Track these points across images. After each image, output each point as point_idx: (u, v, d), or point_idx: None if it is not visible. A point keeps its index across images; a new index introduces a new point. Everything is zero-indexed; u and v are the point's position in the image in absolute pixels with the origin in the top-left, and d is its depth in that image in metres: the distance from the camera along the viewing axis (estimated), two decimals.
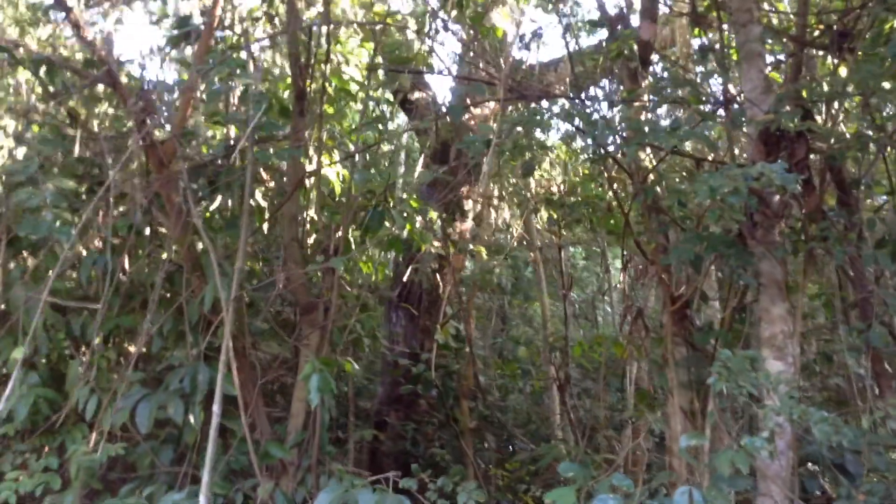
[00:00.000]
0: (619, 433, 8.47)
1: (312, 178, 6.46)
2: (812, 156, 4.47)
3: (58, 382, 5.29)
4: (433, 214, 8.49)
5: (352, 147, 7.25)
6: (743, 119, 4.34)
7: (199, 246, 5.22)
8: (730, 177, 3.59)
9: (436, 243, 8.58)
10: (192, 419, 4.94)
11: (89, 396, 4.97)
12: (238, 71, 4.65)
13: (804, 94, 4.45)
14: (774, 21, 6.08)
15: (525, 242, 10.39)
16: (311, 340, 5.47)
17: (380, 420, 8.80)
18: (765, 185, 3.69)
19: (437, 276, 8.46)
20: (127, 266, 5.54)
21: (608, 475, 4.88)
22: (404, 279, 8.87)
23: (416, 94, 9.76)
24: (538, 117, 4.15)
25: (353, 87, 6.93)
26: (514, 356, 9.57)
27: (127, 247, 5.40)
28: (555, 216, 7.03)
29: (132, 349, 5.91)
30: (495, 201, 10.56)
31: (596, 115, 4.55)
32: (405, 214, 6.42)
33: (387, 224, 6.60)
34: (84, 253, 5.52)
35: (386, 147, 6.76)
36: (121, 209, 5.56)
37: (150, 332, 5.05)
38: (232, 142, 5.20)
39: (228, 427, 5.18)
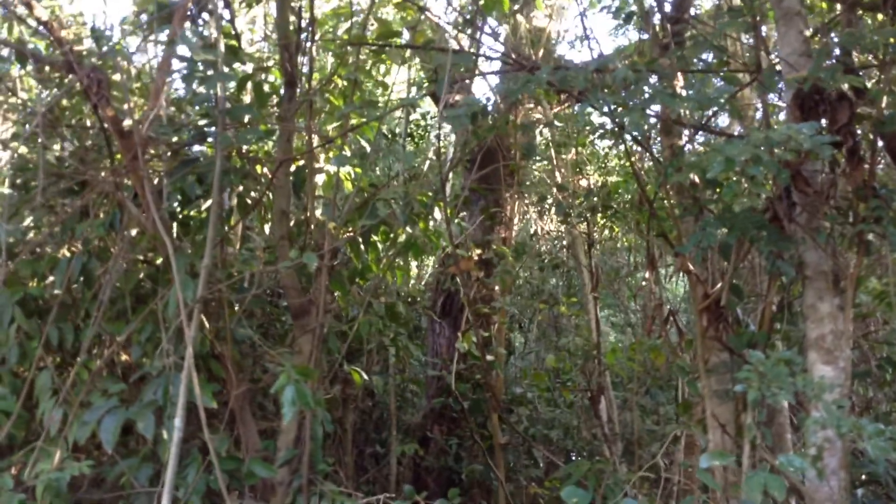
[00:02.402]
0: (668, 448, 7.80)
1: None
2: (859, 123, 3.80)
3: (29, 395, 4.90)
4: (452, 214, 7.97)
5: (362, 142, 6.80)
6: (778, 81, 3.68)
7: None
8: (750, 143, 2.95)
9: (477, 251, 8.13)
10: (165, 434, 4.48)
11: (53, 409, 4.55)
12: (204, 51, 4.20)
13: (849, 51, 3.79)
14: None
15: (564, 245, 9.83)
16: (303, 347, 4.98)
17: (423, 435, 8.47)
18: (794, 151, 3.04)
19: (477, 284, 8.00)
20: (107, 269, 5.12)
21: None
22: (443, 288, 8.51)
23: (457, 98, 9.36)
24: (531, 84, 3.56)
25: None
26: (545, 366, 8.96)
27: (107, 249, 5.00)
28: (583, 210, 6.39)
29: (123, 358, 5.54)
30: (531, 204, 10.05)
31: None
32: (413, 210, 5.90)
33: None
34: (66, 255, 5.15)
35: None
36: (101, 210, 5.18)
37: (120, 340, 4.61)
38: (202, 127, 4.74)
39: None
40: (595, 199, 6.36)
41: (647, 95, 3.45)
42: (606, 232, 10.81)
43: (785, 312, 4.41)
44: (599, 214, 8.82)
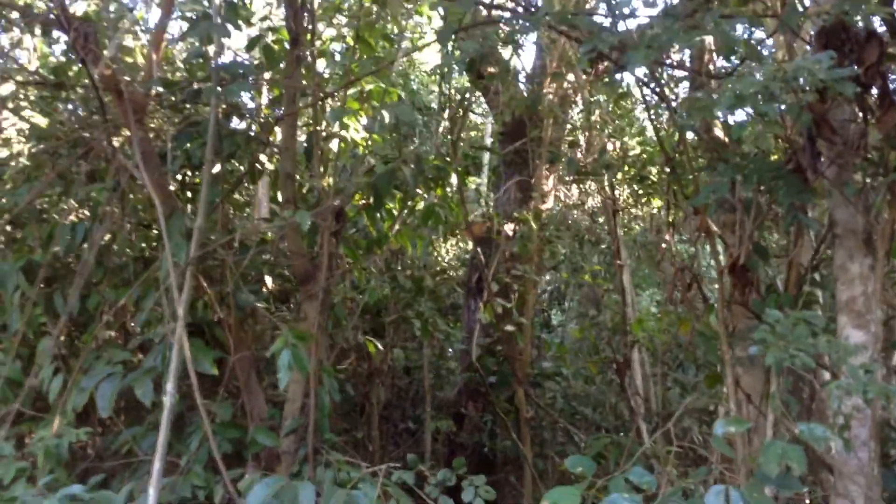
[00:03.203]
0: (702, 423, 7.53)
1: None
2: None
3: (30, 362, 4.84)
4: (472, 182, 7.77)
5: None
6: (801, 15, 3.37)
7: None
8: (762, 78, 2.68)
9: (509, 225, 7.93)
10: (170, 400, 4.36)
11: (53, 376, 4.47)
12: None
13: None
14: None
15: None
16: (308, 313, 4.82)
17: (458, 411, 8.34)
18: (813, 89, 2.76)
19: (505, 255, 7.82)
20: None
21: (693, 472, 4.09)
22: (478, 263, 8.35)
23: (491, 69, 9.14)
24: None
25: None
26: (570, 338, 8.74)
27: (109, 214, 4.88)
28: (599, 168, 6.11)
29: (129, 325, 5.46)
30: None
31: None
32: (429, 177, 5.70)
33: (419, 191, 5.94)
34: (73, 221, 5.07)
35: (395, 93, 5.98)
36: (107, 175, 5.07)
37: (119, 307, 4.50)
38: (196, 85, 4.57)
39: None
40: (613, 158, 6.06)
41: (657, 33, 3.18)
42: (643, 207, 10.52)
43: (810, 274, 4.09)
44: (636, 185, 8.58)
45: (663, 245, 6.43)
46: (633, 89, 9.19)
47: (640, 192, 8.94)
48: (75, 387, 4.37)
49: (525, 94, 8.56)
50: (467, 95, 8.25)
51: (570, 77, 8.46)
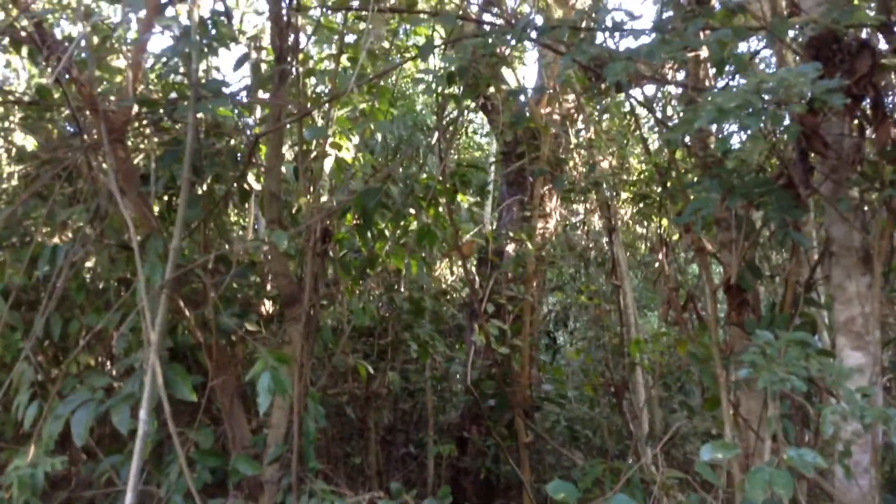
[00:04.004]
0: (697, 446, 7.34)
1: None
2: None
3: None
4: (465, 201, 7.65)
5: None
6: (788, 25, 3.25)
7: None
8: (742, 90, 2.56)
9: (511, 245, 7.82)
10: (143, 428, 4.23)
11: (29, 403, 4.36)
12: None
13: None
14: None
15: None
16: (293, 337, 4.70)
17: (461, 435, 8.21)
18: (799, 100, 2.64)
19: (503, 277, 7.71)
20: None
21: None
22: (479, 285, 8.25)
23: (492, 90, 9.08)
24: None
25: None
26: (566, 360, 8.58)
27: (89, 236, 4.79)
28: (589, 186, 5.98)
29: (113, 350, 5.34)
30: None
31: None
32: (420, 196, 5.59)
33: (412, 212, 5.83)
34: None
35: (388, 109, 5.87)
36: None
37: (94, 330, 4.39)
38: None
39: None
40: (607, 174, 5.94)
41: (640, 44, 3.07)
42: (648, 226, 10.39)
43: (805, 293, 3.95)
44: (639, 204, 8.46)
45: (657, 264, 6.27)
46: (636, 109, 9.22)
47: (643, 210, 8.84)
48: (51, 414, 4.25)
49: (526, 114, 8.51)
50: (458, 114, 8.20)
51: (571, 97, 8.40)
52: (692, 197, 3.45)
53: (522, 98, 8.98)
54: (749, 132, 2.90)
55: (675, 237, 8.71)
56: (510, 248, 7.75)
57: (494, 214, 9.11)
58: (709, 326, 4.49)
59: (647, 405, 7.51)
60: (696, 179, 4.12)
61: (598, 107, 8.34)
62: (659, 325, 11.52)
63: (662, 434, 7.39)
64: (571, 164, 8.41)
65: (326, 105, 5.02)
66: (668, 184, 4.32)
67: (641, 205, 8.15)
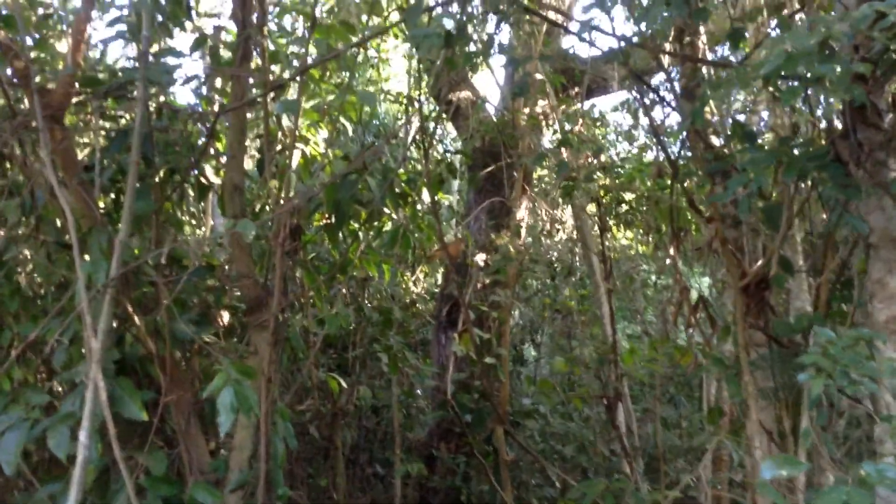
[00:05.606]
0: (693, 463, 6.95)
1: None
2: None
3: None
4: (448, 199, 7.21)
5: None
6: None
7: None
8: (819, 29, 2.10)
9: (481, 255, 7.40)
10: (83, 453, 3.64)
11: None
12: None
13: None
14: None
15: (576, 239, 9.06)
16: (259, 346, 4.15)
17: (429, 453, 7.86)
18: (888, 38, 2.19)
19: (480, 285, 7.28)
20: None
21: None
22: (448, 294, 7.84)
23: (461, 94, 8.73)
24: None
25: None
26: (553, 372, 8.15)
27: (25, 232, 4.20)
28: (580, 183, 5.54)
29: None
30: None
31: None
32: (398, 193, 5.09)
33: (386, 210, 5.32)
34: None
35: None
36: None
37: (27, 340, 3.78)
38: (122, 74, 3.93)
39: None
40: (598, 172, 5.52)
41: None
42: (621, 236, 10.08)
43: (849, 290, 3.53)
44: (618, 210, 8.11)
45: (667, 261, 5.84)
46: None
47: (618, 218, 8.51)
48: None
49: (495, 119, 8.16)
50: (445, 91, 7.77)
51: (541, 102, 8.05)
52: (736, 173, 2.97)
53: (499, 98, 8.67)
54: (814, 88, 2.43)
55: (655, 243, 8.39)
56: (480, 257, 7.35)
57: (461, 226, 8.68)
58: (726, 327, 4.07)
59: (626, 418, 7.11)
60: (711, 168, 3.67)
61: (569, 110, 8.00)
62: (622, 338, 11.21)
63: (652, 449, 6.98)
64: (546, 164, 8.05)
65: (297, 80, 4.48)
66: (679, 172, 3.86)
67: (625, 207, 7.81)
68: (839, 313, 3.63)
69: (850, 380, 2.40)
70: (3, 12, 3.90)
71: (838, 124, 3.02)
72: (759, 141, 3.35)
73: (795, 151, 2.71)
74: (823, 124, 3.16)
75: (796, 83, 2.38)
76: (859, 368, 2.46)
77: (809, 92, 2.89)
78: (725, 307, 5.25)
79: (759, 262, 3.67)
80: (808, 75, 2.22)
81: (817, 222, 3.99)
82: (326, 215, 4.98)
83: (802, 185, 3.05)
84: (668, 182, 4.43)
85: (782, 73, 2.17)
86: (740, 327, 3.49)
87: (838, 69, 2.11)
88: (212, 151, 4.86)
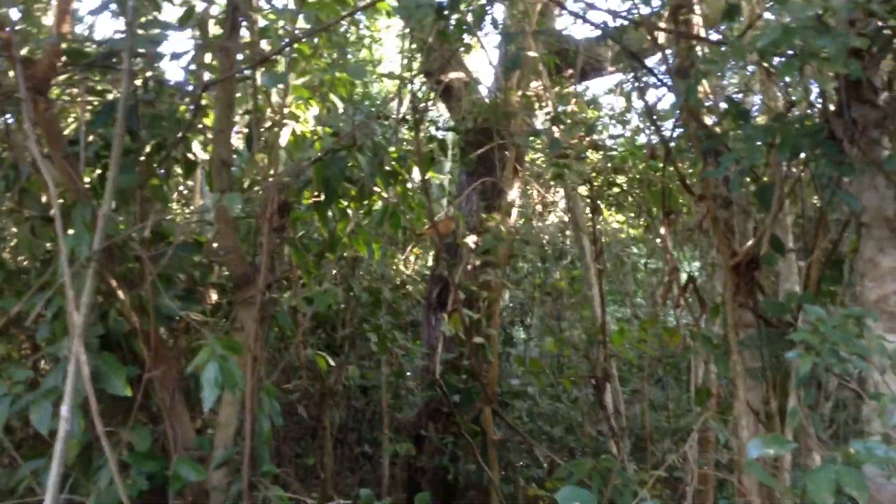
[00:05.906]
0: (679, 444, 6.98)
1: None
2: None
3: None
4: (438, 178, 7.17)
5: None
6: None
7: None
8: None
9: (472, 237, 7.36)
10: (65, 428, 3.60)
11: None
12: None
13: None
14: None
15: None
16: (245, 323, 4.11)
17: (418, 433, 7.79)
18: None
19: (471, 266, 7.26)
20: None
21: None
22: (438, 275, 7.83)
23: (452, 74, 8.67)
24: None
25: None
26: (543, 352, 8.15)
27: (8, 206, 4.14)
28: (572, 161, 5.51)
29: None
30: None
31: None
32: (388, 170, 5.04)
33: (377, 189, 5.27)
34: None
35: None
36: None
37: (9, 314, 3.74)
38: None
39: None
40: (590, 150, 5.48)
41: None
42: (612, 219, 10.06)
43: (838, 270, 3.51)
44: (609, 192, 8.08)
45: (658, 241, 5.82)
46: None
47: (610, 200, 8.49)
48: None
49: (487, 101, 8.11)
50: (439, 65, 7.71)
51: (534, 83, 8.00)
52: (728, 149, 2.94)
53: (492, 79, 8.61)
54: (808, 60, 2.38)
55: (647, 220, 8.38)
56: (471, 239, 7.32)
57: (451, 206, 8.64)
58: (715, 307, 4.06)
59: (614, 398, 7.13)
60: (702, 148, 3.64)
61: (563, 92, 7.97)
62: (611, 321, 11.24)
63: (639, 430, 7.00)
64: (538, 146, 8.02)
65: (285, 53, 4.42)
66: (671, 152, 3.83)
67: (616, 189, 7.77)
68: (829, 293, 3.62)
69: (839, 358, 2.38)
70: None
71: (832, 106, 2.99)
72: (753, 121, 3.32)
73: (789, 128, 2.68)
74: (817, 97, 3.12)
75: (793, 57, 2.35)
76: (849, 346, 2.44)
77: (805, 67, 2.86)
78: (715, 289, 5.24)
79: (750, 242, 3.65)
80: (805, 49, 2.18)
81: (808, 205, 3.97)
82: (316, 193, 4.94)
83: (794, 170, 3.02)
84: (661, 164, 4.39)
85: (778, 48, 2.13)
86: (729, 307, 3.48)
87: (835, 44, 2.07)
88: (199, 126, 4.77)
